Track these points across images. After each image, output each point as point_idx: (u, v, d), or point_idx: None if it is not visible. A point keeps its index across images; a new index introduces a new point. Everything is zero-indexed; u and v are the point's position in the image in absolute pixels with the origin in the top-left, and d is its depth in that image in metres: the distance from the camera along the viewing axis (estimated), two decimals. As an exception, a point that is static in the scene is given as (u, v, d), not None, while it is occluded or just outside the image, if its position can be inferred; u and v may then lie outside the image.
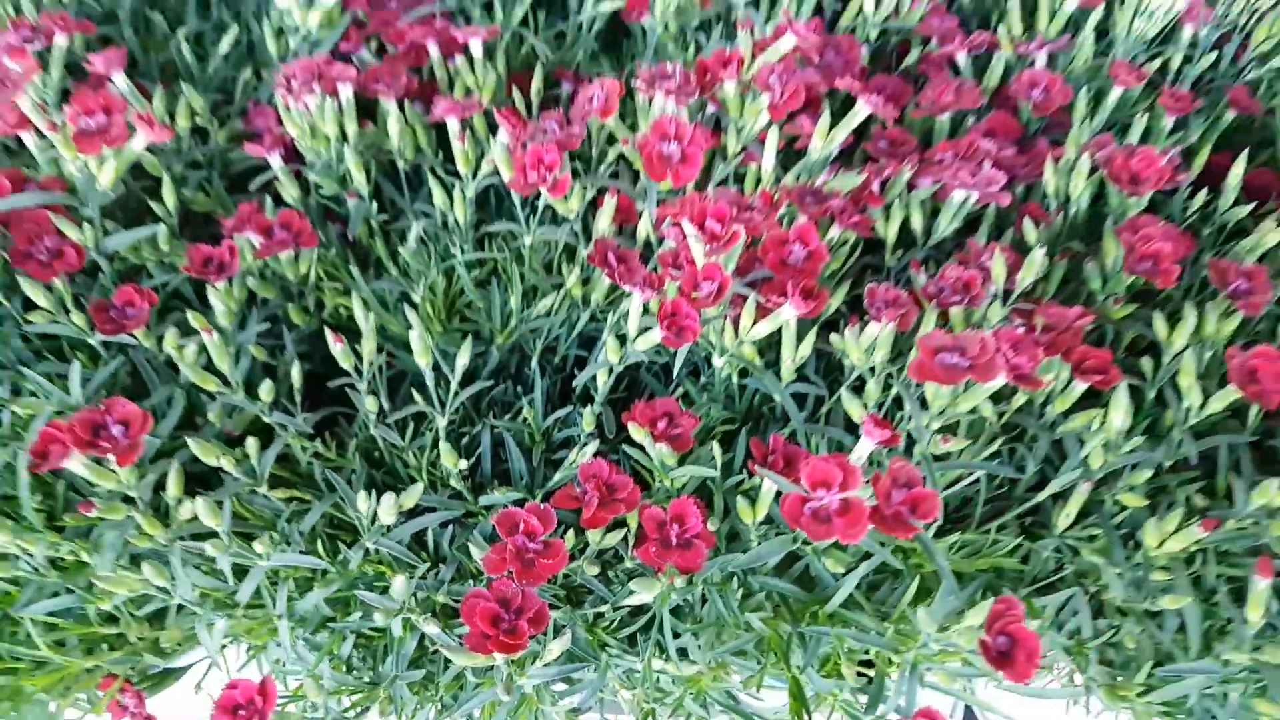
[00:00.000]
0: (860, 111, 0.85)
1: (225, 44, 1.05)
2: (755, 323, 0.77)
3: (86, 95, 0.77)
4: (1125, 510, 0.78)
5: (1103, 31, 1.07)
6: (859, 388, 0.78)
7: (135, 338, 0.80)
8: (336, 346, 0.73)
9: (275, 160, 0.91)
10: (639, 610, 0.75)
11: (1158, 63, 1.08)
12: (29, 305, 0.83)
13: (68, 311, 0.79)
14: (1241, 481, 0.75)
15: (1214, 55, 1.09)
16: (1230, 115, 1.05)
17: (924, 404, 0.72)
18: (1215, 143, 1.07)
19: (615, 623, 0.76)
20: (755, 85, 0.86)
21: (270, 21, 1.04)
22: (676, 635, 0.75)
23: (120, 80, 0.92)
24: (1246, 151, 1.06)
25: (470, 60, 0.99)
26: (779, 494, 0.67)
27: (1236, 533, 0.76)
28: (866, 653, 0.73)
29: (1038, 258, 0.75)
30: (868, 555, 0.71)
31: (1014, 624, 0.57)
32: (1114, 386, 0.73)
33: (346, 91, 0.88)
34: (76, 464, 0.65)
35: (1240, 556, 0.78)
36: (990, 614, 0.58)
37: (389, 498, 0.67)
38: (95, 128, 0.77)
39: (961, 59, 1.03)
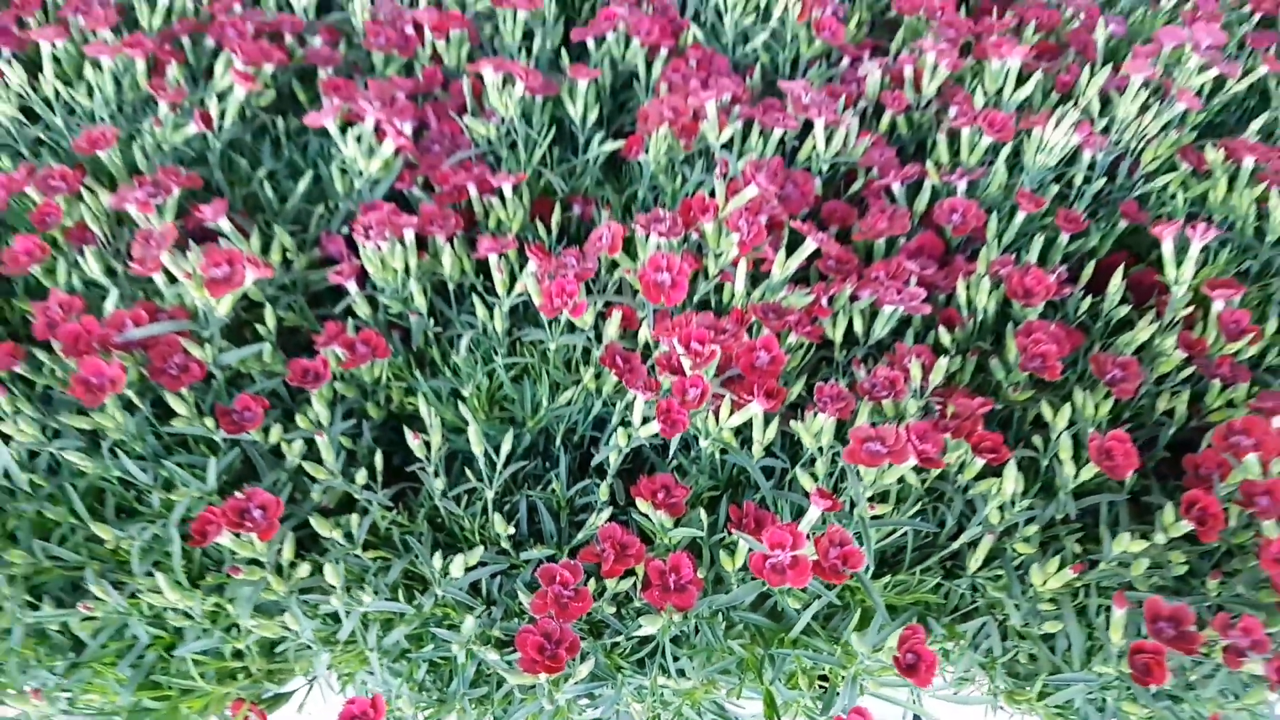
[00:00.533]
0: (809, 246, 1.09)
1: (301, 186, 1.29)
2: (731, 414, 1.00)
3: (215, 251, 1.01)
4: (1021, 555, 1.00)
5: (1018, 152, 1.32)
6: (812, 463, 1.00)
7: (250, 435, 1.03)
8: (414, 442, 0.96)
9: (352, 287, 1.15)
10: (646, 639, 0.97)
11: (1065, 183, 1.33)
12: (157, 405, 1.06)
13: (201, 416, 1.02)
14: (1109, 532, 0.97)
15: (1107, 176, 1.34)
16: (1124, 223, 1.29)
17: (860, 477, 0.94)
18: (1114, 243, 1.31)
19: (628, 649, 0.97)
20: (728, 225, 1.10)
21: (336, 163, 1.29)
22: (676, 658, 0.96)
23: (225, 225, 1.16)
24: (1138, 254, 1.30)
25: (502, 198, 1.24)
26: (752, 548, 0.89)
27: (1110, 572, 0.98)
28: (822, 669, 0.94)
29: (943, 364, 0.98)
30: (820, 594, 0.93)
31: (919, 644, 0.79)
32: (1005, 461, 0.95)
33: (409, 236, 1.12)
34: (225, 538, 0.88)
35: (1114, 590, 1.00)
36: (901, 637, 0.79)
37: (459, 558, 0.89)
38: (222, 276, 1.01)
39: (896, 188, 1.27)
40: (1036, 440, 1.04)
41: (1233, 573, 0.99)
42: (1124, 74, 1.33)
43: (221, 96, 1.31)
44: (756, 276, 1.16)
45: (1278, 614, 0.91)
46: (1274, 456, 0.93)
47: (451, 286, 1.19)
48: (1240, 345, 1.10)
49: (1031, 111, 1.40)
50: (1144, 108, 1.33)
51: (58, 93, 1.28)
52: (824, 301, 1.11)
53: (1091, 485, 1.04)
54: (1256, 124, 1.34)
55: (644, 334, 1.12)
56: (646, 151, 1.31)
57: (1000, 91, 1.34)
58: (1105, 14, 1.56)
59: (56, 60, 1.34)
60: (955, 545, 1.01)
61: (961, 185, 1.25)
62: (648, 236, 1.11)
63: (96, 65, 1.30)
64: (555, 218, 1.23)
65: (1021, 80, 1.35)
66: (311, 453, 1.02)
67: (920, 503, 1.02)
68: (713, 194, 1.16)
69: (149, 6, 1.46)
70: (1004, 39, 1.32)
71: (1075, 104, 1.31)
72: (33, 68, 1.31)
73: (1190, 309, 1.14)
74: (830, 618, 1.00)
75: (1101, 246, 1.28)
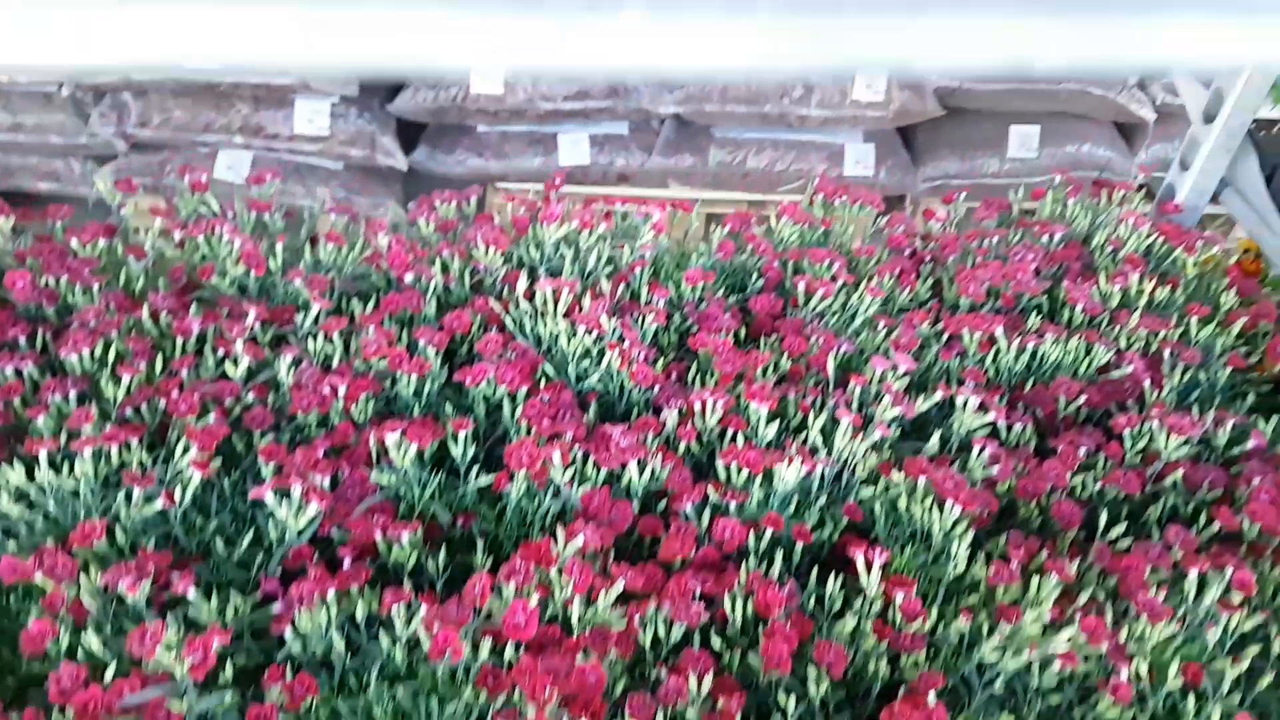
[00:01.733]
0: (620, 585, 1.57)
1: (245, 541, 1.70)
2: (569, 721, 1.45)
3: (195, 641, 1.40)
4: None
5: (771, 476, 1.86)
6: (627, 752, 1.46)
7: (217, 770, 1.40)
8: (342, 778, 1.37)
9: (289, 633, 1.55)
10: None
11: (806, 490, 1.87)
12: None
13: (179, 763, 1.39)
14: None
15: (835, 482, 1.90)
16: (846, 519, 1.85)
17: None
18: (845, 530, 1.86)
19: None
20: (565, 572, 1.57)
21: (267, 513, 1.71)
22: None
23: (192, 594, 1.55)
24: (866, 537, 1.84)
25: (401, 541, 1.68)
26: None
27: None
28: None
29: (709, 678, 1.47)
30: None
31: None
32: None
33: (331, 594, 1.54)
34: None
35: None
36: None
37: None
38: (199, 660, 1.40)
39: (689, 508, 1.78)
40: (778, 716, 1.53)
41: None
42: (842, 405, 1.91)
43: (180, 473, 1.72)
44: (589, 599, 1.63)
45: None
46: (915, 726, 1.45)
47: (362, 622, 1.61)
48: (915, 625, 1.65)
49: (788, 431, 1.97)
50: (855, 433, 1.90)
51: (51, 483, 1.66)
52: (636, 620, 1.59)
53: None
54: (935, 438, 1.95)
55: (509, 654, 1.56)
56: (512, 483, 1.79)
57: (759, 422, 1.90)
58: (840, 338, 2.17)
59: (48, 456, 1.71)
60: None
61: (733, 505, 1.78)
62: (509, 584, 1.57)
63: (79, 454, 1.68)
64: (443, 560, 1.68)
65: (773, 416, 1.91)
66: (265, 778, 1.41)
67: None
68: (554, 534, 1.64)
69: (114, 384, 1.86)
70: (759, 387, 1.89)
71: (806, 438, 1.87)
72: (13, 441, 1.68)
73: (884, 597, 1.68)
74: None
75: (833, 536, 1.83)
